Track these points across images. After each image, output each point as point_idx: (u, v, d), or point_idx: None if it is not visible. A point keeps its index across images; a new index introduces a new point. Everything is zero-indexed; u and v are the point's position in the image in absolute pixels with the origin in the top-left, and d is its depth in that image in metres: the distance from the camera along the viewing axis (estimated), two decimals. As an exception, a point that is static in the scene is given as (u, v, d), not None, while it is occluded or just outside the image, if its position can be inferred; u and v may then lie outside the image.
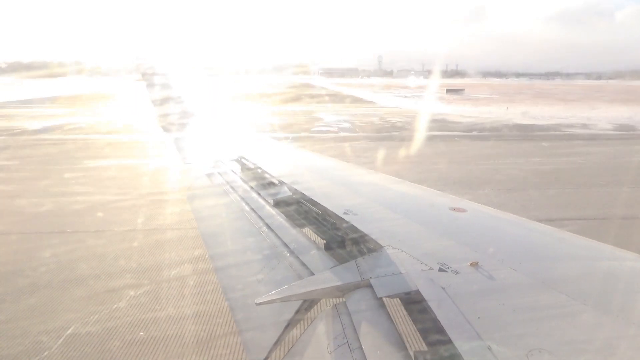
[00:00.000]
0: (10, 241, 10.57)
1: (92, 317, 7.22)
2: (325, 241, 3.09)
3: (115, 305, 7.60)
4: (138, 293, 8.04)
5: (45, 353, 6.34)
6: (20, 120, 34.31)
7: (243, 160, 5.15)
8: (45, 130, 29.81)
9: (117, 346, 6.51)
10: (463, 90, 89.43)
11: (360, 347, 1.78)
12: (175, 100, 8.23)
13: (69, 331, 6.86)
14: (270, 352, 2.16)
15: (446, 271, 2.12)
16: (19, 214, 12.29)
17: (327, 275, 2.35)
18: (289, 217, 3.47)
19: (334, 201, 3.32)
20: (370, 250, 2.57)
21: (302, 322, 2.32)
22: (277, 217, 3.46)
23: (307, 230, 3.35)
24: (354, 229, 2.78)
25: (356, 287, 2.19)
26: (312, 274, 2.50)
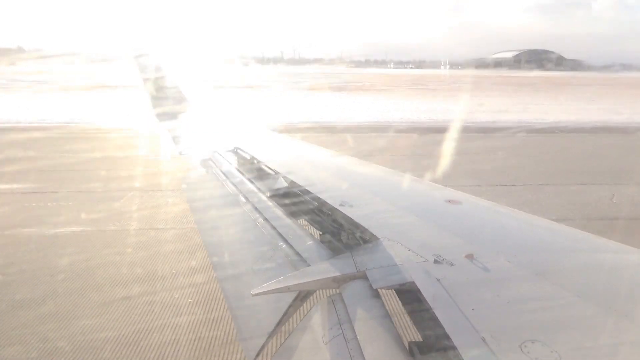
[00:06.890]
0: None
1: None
2: (320, 232, 3.09)
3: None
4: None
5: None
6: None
7: (239, 150, 5.13)
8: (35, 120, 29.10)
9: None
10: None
11: (356, 337, 1.79)
12: (170, 90, 8.17)
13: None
14: (265, 342, 2.17)
15: (441, 263, 2.13)
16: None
17: (322, 267, 2.35)
18: (285, 208, 3.46)
19: (330, 192, 3.31)
20: (365, 242, 2.57)
21: (297, 313, 2.33)
22: (273, 208, 3.45)
23: (303, 221, 3.35)
24: (350, 220, 2.78)
25: (352, 278, 2.19)
26: (308, 265, 2.50)
